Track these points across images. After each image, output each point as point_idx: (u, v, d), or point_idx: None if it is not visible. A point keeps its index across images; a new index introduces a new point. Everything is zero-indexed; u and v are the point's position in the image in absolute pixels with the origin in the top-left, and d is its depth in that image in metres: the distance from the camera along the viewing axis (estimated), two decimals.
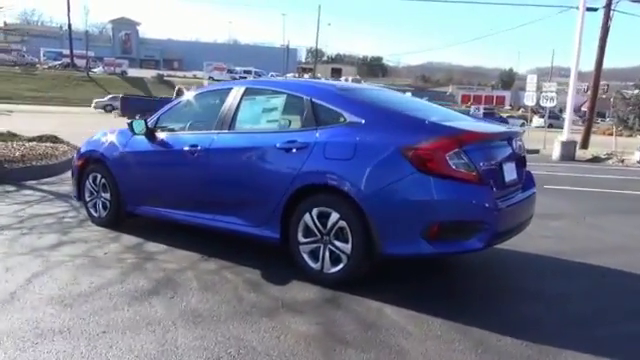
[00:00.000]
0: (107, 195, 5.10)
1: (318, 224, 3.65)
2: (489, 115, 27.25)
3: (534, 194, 4.17)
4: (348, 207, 3.49)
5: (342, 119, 3.70)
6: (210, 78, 53.09)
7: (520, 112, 24.34)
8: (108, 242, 4.66)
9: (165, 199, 4.71)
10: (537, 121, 29.57)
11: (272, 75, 59.05)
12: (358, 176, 3.47)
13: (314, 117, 3.82)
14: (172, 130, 4.70)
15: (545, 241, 5.16)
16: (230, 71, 54.54)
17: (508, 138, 3.81)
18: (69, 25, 54.43)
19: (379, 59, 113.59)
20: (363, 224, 3.44)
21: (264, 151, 3.92)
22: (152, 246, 4.57)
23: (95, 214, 5.26)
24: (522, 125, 25.84)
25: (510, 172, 3.78)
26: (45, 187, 7.33)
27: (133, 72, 55.38)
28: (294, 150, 3.75)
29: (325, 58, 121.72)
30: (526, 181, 4.19)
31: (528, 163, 4.24)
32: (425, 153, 3.29)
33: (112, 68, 51.07)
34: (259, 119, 4.27)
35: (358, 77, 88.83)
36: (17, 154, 8.98)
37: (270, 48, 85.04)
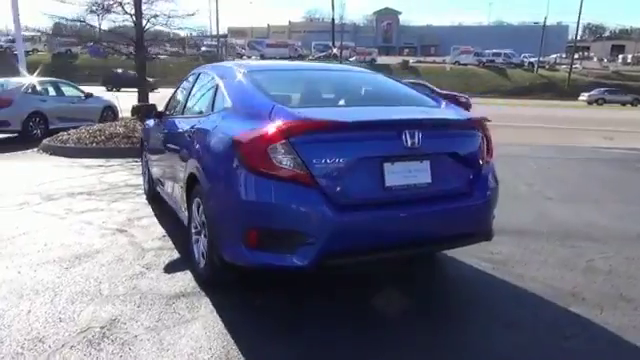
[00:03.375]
0: (147, 171, 5.71)
1: (197, 216, 3.44)
2: None
3: (476, 206, 3.03)
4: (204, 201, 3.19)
5: (226, 104, 3.36)
6: (456, 62, 51.73)
7: None
8: (126, 213, 5.23)
9: (159, 181, 5.03)
10: None
11: (524, 57, 54.20)
12: (205, 168, 3.14)
13: (213, 102, 3.58)
14: (169, 114, 4.95)
15: (581, 276, 3.67)
16: (477, 54, 51.94)
17: (403, 128, 2.80)
18: (332, 20, 59.79)
19: None
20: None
21: (182, 137, 3.85)
22: (147, 221, 4.96)
23: (145, 187, 5.96)
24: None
25: (402, 173, 2.82)
26: None
27: (387, 60, 57.84)
28: (192, 137, 3.58)
29: (607, 34, 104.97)
30: (474, 187, 3.07)
31: None
32: (245, 145, 2.76)
33: (363, 57, 54.38)
34: (195, 104, 4.18)
35: None
36: None
37: (535, 27, 77.42)
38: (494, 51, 52.44)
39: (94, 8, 11.04)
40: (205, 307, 3.06)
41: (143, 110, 5.10)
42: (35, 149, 9.88)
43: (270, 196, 2.68)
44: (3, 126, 10.79)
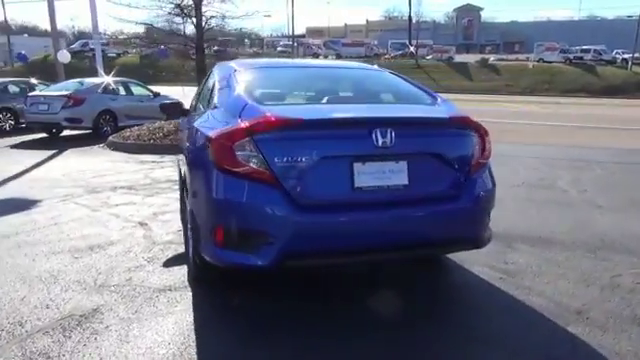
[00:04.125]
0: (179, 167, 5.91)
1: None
2: None
3: (463, 210, 2.81)
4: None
5: (214, 102, 3.37)
6: (540, 60, 48.89)
7: None
8: (155, 207, 5.45)
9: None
10: None
11: (617, 53, 50.12)
12: (188, 164, 3.19)
13: (209, 100, 3.61)
14: (190, 112, 5.07)
15: (597, 293, 3.30)
16: (564, 51, 48.64)
17: (372, 126, 2.65)
18: (409, 17, 58.93)
19: None
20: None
21: (184, 134, 3.93)
22: (170, 216, 5.12)
23: (179, 183, 6.16)
24: None
25: (375, 174, 2.67)
26: None
27: (465, 57, 55.87)
28: (188, 134, 3.64)
29: None
30: (462, 190, 2.85)
31: None
32: (214, 142, 2.74)
33: (439, 55, 52.81)
34: (199, 102, 4.23)
35: None
36: None
37: (630, 20, 71.31)
38: (582, 47, 48.89)
39: (178, 11, 11.45)
40: (184, 303, 3.10)
41: (169, 108, 5.25)
42: (102, 145, 10.54)
43: (234, 194, 2.65)
44: (76, 123, 11.63)
